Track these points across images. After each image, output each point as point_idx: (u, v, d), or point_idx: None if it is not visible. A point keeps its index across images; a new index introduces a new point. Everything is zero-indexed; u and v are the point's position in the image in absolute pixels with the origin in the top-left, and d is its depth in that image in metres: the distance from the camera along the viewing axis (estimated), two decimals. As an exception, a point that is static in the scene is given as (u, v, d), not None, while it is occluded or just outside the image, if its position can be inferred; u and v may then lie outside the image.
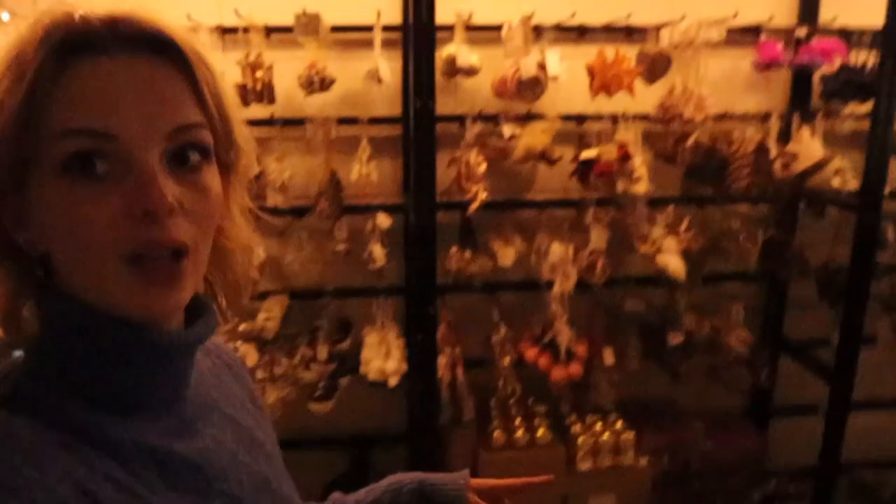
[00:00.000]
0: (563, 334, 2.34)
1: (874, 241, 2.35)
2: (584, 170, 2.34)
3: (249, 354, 2.26)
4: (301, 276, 2.51)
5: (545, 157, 2.26)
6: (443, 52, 2.24)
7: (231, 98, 0.62)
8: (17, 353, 0.60)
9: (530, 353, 2.44)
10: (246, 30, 2.21)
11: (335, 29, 2.29)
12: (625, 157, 2.19)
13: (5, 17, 1.97)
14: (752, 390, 2.93)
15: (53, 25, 0.53)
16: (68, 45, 0.53)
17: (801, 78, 2.65)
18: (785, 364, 2.87)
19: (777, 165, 2.41)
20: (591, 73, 2.28)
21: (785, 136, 2.54)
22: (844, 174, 2.61)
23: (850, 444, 2.94)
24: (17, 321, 0.59)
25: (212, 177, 0.60)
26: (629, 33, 2.43)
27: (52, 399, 0.56)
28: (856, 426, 2.88)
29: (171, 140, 0.56)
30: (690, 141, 2.37)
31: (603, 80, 2.25)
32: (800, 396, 2.84)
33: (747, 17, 2.48)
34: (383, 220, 2.37)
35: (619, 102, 2.39)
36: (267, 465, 0.74)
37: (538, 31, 2.32)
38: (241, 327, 2.32)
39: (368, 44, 2.27)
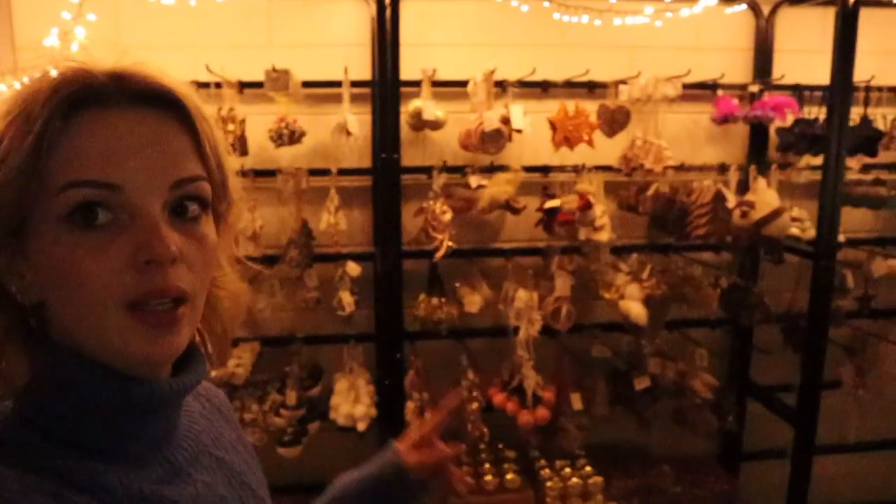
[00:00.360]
0: (530, 379, 2.38)
1: (830, 287, 2.43)
2: (549, 219, 2.41)
3: (219, 401, 2.29)
4: (273, 322, 2.55)
5: (509, 206, 2.34)
6: (409, 106, 2.33)
7: (226, 152, 0.64)
8: (4, 403, 0.59)
9: (498, 398, 2.47)
10: (219, 85, 2.30)
11: (306, 84, 2.38)
12: (586, 205, 2.27)
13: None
14: (722, 434, 2.97)
15: (61, 80, 0.55)
16: (75, 98, 0.54)
17: (759, 131, 2.75)
18: (753, 408, 2.92)
19: (736, 214, 2.49)
20: (553, 126, 2.37)
21: (744, 187, 2.62)
22: (803, 223, 2.70)
23: (819, 488, 2.98)
24: (2, 370, 0.58)
25: (209, 227, 0.61)
26: (591, 88, 2.54)
27: (41, 447, 0.55)
28: (825, 469, 2.92)
29: (173, 192, 0.57)
30: (651, 191, 2.45)
31: (564, 133, 2.34)
32: (769, 440, 2.88)
33: (705, 75, 2.60)
34: (353, 268, 2.42)
35: (582, 154, 2.49)
36: None
37: (503, 87, 2.43)
38: (213, 373, 2.35)
39: (340, 98, 2.36)
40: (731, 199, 2.50)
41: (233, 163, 0.64)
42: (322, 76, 2.41)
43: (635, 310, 2.31)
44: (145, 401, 0.59)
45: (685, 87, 2.54)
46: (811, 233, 2.59)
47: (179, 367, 0.64)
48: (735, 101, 2.57)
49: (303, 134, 2.34)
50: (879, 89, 2.67)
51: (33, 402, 0.58)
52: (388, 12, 2.21)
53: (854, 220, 2.85)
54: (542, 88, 2.53)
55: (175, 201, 0.58)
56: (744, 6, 2.58)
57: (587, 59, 2.52)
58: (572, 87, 2.53)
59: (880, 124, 2.64)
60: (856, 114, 2.57)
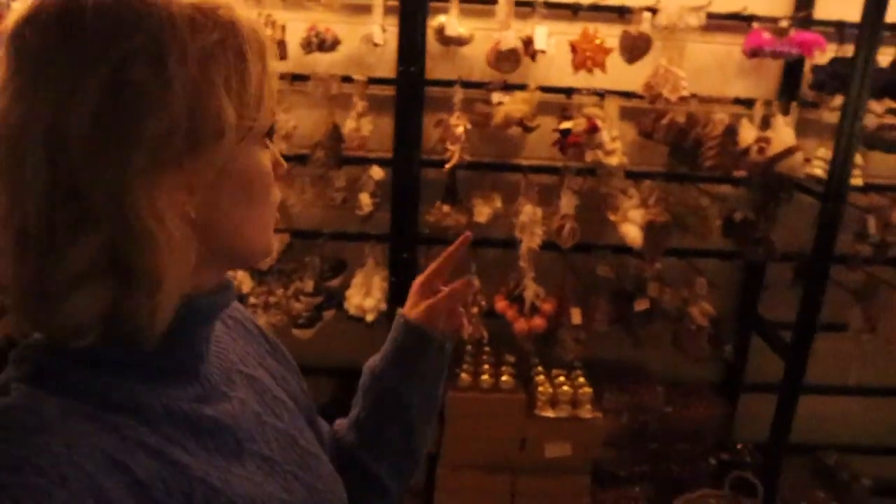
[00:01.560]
0: (529, 289, 2.54)
1: (835, 228, 2.45)
2: (563, 140, 2.51)
3: (245, 282, 2.56)
4: (302, 218, 2.78)
5: (522, 124, 2.44)
6: (434, 21, 2.43)
7: None
8: (36, 335, 0.59)
9: (500, 304, 2.65)
10: (261, -9, 2.46)
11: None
12: (592, 129, 2.35)
13: None
14: (724, 364, 3.07)
15: (256, 26, 0.63)
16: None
17: (794, 68, 2.72)
18: (757, 342, 2.99)
19: (753, 150, 2.51)
20: (574, 49, 2.44)
21: (769, 123, 2.63)
22: (828, 163, 2.69)
23: (817, 427, 3.07)
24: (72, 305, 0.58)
25: None
26: (621, 13, 2.56)
27: (78, 372, 0.56)
28: (819, 408, 3.01)
29: None
30: (666, 119, 2.50)
31: (583, 57, 2.40)
32: (770, 375, 2.97)
33: (740, 5, 2.58)
34: (376, 172, 2.61)
35: (607, 79, 2.55)
36: (290, 421, 0.77)
37: (532, 6, 2.50)
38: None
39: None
40: (752, 134, 2.53)
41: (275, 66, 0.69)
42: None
43: (632, 233, 2.41)
44: (191, 314, 0.62)
45: (716, 17, 2.54)
46: (831, 173, 2.59)
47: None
48: (766, 35, 2.54)
49: (337, 42, 2.48)
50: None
51: None
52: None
53: (886, 166, 2.82)
54: (572, 11, 2.58)
55: None
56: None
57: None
58: (601, 11, 2.56)
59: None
60: (890, 55, 2.51)
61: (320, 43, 2.38)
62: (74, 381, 0.55)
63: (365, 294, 2.58)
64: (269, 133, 0.67)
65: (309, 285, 2.58)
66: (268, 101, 0.63)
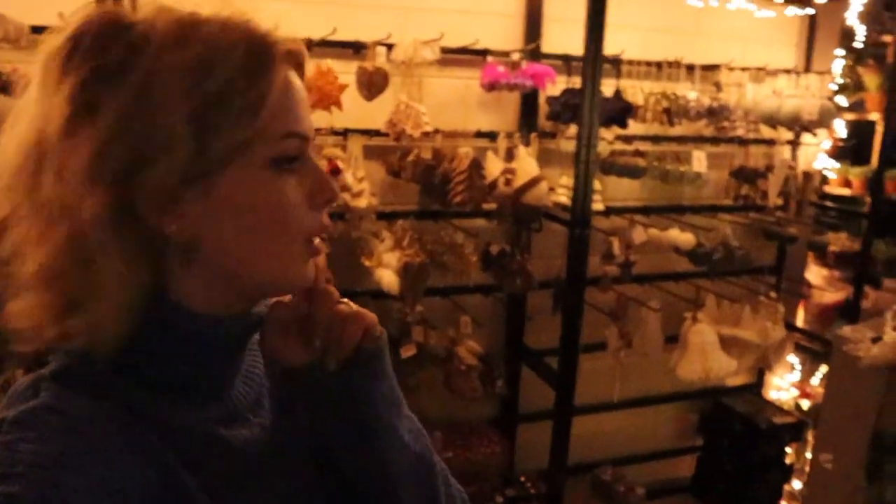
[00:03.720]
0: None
1: (585, 252, 2.50)
2: (306, 184, 2.32)
3: None
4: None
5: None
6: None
7: None
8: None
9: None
10: None
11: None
12: (334, 171, 2.19)
13: None
14: (499, 399, 3.04)
15: (269, 36, 0.61)
16: (281, 55, 0.61)
17: (529, 100, 2.79)
18: (527, 373, 3.00)
19: (501, 182, 2.51)
20: (307, 87, 2.27)
21: (512, 155, 2.65)
22: (570, 191, 2.77)
23: (592, 444, 3.13)
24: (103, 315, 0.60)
25: None
26: (356, 49, 2.45)
27: (103, 377, 0.58)
28: (589, 427, 3.07)
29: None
30: (412, 156, 2.42)
31: (318, 94, 2.24)
32: (542, 403, 2.98)
33: (474, 40, 2.58)
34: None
35: (346, 117, 2.40)
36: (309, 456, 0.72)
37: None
38: None
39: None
40: (498, 167, 2.52)
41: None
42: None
43: (387, 278, 2.28)
44: (222, 335, 0.63)
45: (454, 51, 2.51)
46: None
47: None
48: (501, 69, 2.57)
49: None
50: (631, 63, 2.76)
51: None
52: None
53: (621, 190, 2.98)
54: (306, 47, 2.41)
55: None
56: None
57: (349, 17, 2.42)
58: (333, 47, 2.42)
59: (638, 97, 2.73)
60: (612, 86, 2.65)
61: None
62: (105, 386, 0.57)
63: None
64: (292, 158, 0.62)
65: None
66: (274, 122, 0.59)
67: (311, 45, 2.40)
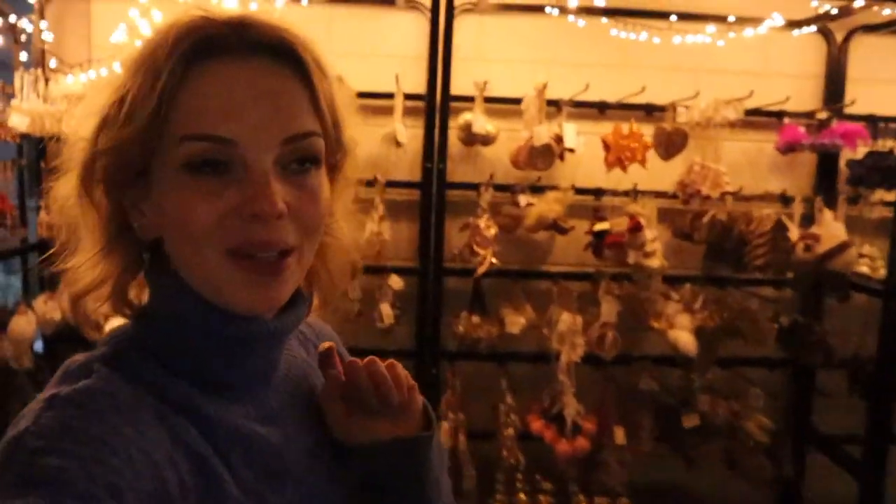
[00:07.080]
0: (570, 407, 2.28)
1: (901, 330, 2.26)
2: (598, 242, 2.34)
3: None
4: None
5: (556, 225, 2.27)
6: (459, 119, 2.30)
7: (343, 102, 0.63)
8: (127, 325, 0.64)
9: (536, 424, 2.38)
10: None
11: (360, 95, 2.38)
12: (636, 227, 2.18)
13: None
14: (779, 483, 2.78)
15: (184, 31, 0.56)
16: (196, 49, 0.56)
17: (827, 162, 2.62)
18: (814, 457, 2.73)
19: (799, 247, 2.36)
20: (606, 145, 2.31)
21: (808, 220, 2.49)
22: (874, 261, 2.54)
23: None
24: (124, 294, 0.63)
25: (321, 180, 0.61)
26: (648, 111, 2.46)
27: (152, 367, 0.59)
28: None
29: (285, 146, 0.57)
30: (707, 218, 2.35)
31: (617, 153, 2.27)
32: (831, 494, 2.68)
33: (771, 101, 2.50)
34: (395, 281, 2.39)
35: (636, 178, 2.41)
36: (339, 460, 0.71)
37: (557, 106, 2.38)
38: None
39: (392, 110, 2.35)
40: (795, 232, 2.37)
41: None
42: (376, 87, 2.41)
43: (684, 339, 2.19)
44: (242, 337, 0.61)
45: (749, 113, 2.44)
46: (882, 272, 2.44)
47: (283, 307, 0.64)
48: (802, 129, 2.45)
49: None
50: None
51: (148, 328, 0.63)
52: (441, 25, 2.20)
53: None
54: (599, 109, 2.48)
55: (287, 156, 0.58)
56: (813, 29, 2.47)
57: (645, 79, 2.45)
58: (628, 109, 2.46)
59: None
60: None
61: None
62: (148, 375, 0.58)
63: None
64: (213, 162, 0.56)
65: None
66: (180, 124, 0.56)
67: (605, 106, 2.46)
